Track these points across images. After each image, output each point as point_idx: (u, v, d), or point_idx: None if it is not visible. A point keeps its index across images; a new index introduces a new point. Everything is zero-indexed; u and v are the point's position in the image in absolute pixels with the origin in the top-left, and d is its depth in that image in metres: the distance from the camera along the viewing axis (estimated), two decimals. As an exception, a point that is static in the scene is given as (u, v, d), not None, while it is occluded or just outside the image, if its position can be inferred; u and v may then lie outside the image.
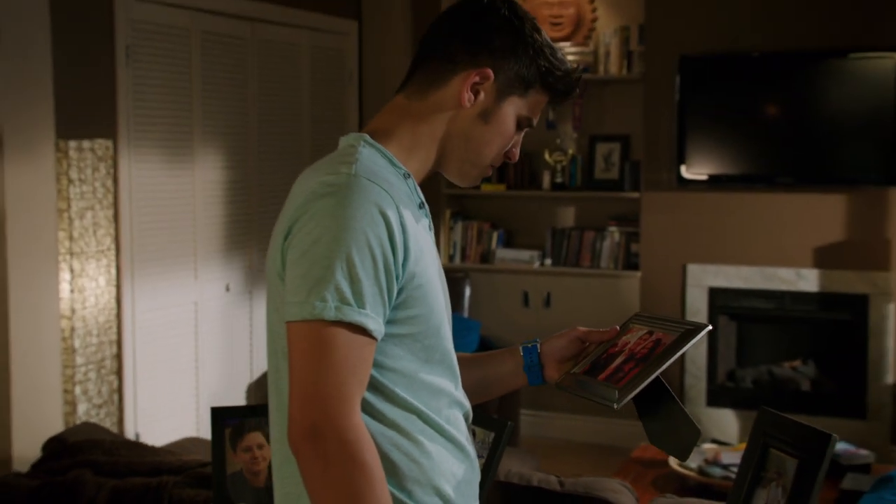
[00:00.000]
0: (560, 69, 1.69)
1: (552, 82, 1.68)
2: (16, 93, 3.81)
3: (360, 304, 1.48)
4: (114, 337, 4.27)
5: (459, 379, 1.69)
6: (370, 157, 1.57)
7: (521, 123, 1.70)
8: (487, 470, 2.10)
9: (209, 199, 4.97)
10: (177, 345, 4.82)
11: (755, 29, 5.60)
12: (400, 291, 1.53)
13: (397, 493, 1.55)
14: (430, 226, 1.65)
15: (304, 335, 1.49)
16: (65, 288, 4.05)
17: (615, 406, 1.71)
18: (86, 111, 4.23)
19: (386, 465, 1.52)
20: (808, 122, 5.56)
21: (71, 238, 4.05)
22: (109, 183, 4.22)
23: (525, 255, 6.15)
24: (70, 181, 4.04)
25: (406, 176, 1.61)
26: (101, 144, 4.18)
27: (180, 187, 4.80)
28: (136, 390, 4.50)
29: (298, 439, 1.48)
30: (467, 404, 1.71)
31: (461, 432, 1.66)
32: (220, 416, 2.47)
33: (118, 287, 4.29)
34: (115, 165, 4.27)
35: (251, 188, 5.26)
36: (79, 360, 4.11)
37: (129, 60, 4.45)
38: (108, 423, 4.25)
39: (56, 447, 3.28)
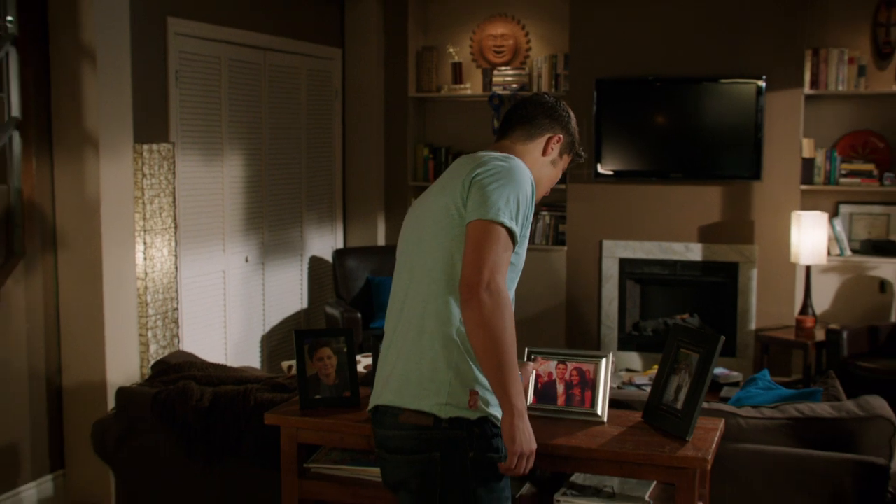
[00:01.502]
0: (579, 142, 2.58)
1: (577, 150, 2.58)
2: (108, 108, 4.52)
3: (517, 222, 2.23)
4: (173, 295, 5.05)
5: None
6: None
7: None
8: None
9: (234, 190, 5.75)
10: (211, 303, 5.60)
11: (652, 59, 6.38)
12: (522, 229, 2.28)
13: (472, 362, 2.25)
14: None
15: (485, 229, 2.19)
16: (139, 256, 4.78)
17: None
18: (152, 121, 5.03)
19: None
20: (693, 131, 6.38)
21: (144, 218, 4.81)
22: (170, 177, 5.02)
23: (474, 234, 7.03)
24: (143, 175, 4.78)
25: None
26: (165, 147, 4.96)
27: (213, 180, 5.57)
28: (185, 335, 5.34)
29: (474, 289, 2.12)
30: None
31: None
32: (301, 335, 3.18)
33: (176, 257, 5.11)
34: (174, 163, 5.08)
35: (263, 180, 6.04)
36: (150, 311, 4.89)
37: (178, 82, 5.27)
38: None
39: (162, 366, 3.95)
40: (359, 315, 6.01)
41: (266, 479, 3.38)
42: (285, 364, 5.07)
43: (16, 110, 4.44)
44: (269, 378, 3.84)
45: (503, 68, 6.87)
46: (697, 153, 6.42)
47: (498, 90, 6.84)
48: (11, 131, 4.42)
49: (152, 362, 4.87)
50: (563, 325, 6.67)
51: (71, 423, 4.62)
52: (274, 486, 3.21)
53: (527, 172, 2.35)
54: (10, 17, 4.43)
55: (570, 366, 2.79)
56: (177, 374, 3.91)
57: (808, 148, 6.27)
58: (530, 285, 6.67)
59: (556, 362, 2.81)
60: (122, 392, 3.80)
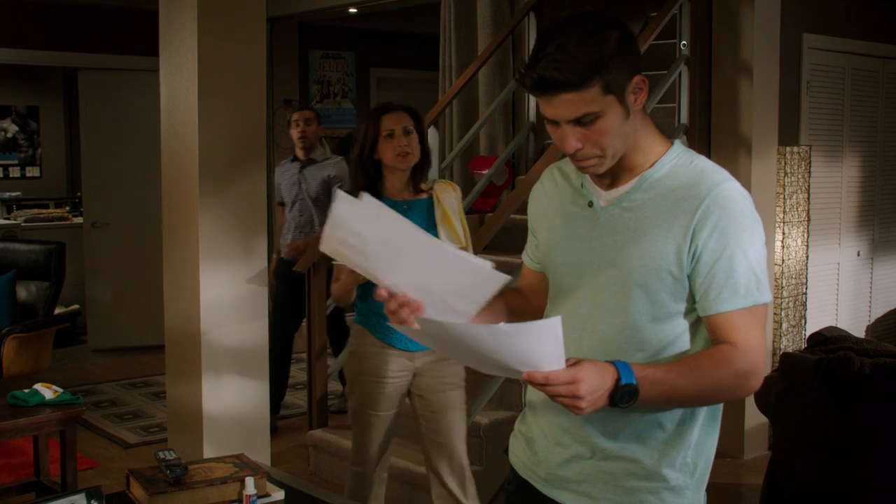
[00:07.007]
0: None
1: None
2: (759, 115, 4.87)
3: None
4: (804, 280, 5.25)
5: None
6: None
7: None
8: None
9: (850, 189, 5.81)
10: (825, 291, 5.69)
11: None
12: None
13: None
14: None
15: None
16: (777, 245, 5.10)
17: None
18: (788, 126, 5.27)
19: None
20: None
21: (784, 211, 5.09)
22: (806, 175, 5.22)
23: None
24: (785, 174, 5.05)
25: None
26: (803, 149, 5.19)
27: (833, 179, 5.68)
28: (809, 315, 5.51)
29: None
30: None
31: None
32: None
33: (807, 247, 5.31)
34: (809, 164, 5.27)
35: (877, 181, 6.03)
36: (784, 294, 5.14)
37: (808, 91, 5.47)
38: (797, 337, 5.27)
39: (819, 338, 4.13)
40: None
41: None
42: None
43: (684, 118, 4.97)
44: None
45: None
46: None
47: None
48: (680, 135, 4.95)
49: (783, 339, 5.15)
50: None
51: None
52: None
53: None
54: (684, 42, 4.98)
55: None
56: (834, 345, 4.08)
57: None
58: None
59: None
60: (786, 357, 4.04)
